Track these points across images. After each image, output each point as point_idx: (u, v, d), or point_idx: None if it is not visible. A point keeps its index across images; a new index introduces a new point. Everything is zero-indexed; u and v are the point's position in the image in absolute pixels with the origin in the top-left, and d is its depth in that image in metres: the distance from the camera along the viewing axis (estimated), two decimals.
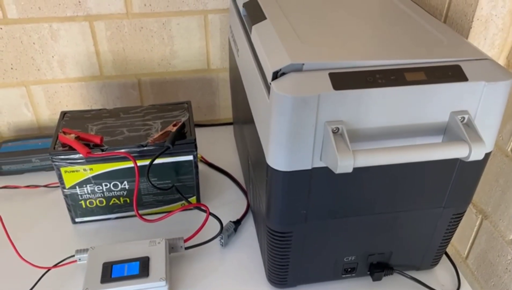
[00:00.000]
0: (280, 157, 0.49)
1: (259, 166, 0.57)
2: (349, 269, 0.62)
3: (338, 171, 0.45)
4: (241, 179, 0.83)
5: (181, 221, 0.75)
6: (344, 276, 0.63)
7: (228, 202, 0.79)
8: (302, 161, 0.49)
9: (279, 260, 0.58)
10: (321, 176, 0.50)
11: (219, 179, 0.84)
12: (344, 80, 0.46)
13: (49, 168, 0.84)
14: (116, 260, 0.61)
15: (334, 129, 0.46)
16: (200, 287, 0.64)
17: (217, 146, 0.91)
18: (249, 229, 0.73)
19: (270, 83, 0.47)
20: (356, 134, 0.47)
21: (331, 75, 0.46)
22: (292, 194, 0.51)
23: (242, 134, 0.77)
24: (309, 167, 0.49)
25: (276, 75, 0.47)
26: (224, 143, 0.93)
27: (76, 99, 0.90)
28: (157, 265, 0.61)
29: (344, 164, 0.44)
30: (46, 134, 0.91)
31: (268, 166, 0.50)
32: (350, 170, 0.45)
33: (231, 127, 0.96)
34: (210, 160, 0.87)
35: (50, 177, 0.82)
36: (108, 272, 0.59)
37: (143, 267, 0.60)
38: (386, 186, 0.53)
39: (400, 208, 0.56)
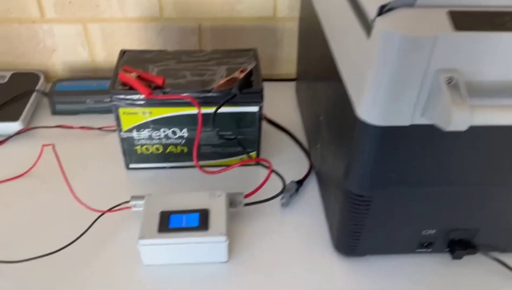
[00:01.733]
0: (375, 109, 0.42)
1: (339, 122, 0.51)
2: (425, 244, 0.56)
3: (450, 128, 0.38)
4: (302, 139, 0.77)
5: (239, 176, 0.70)
6: (418, 250, 0.57)
7: (287, 161, 0.73)
8: (400, 115, 0.42)
9: (352, 226, 0.53)
10: (419, 136, 0.44)
11: (278, 137, 0.78)
12: (466, 21, 0.38)
13: (103, 111, 0.80)
14: (174, 210, 0.57)
15: (447, 79, 0.39)
16: (259, 247, 0.60)
17: (276, 102, 0.85)
18: (311, 191, 0.68)
19: (374, 19, 0.40)
20: (471, 87, 0.40)
21: (451, 14, 0.39)
22: (382, 154, 0.45)
23: (311, 90, 0.70)
24: (407, 124, 0.43)
25: (381, 10, 0.40)
26: (284, 100, 0.87)
27: (133, 41, 0.85)
28: (217, 219, 0.57)
29: (459, 120, 0.38)
30: (101, 75, 0.87)
31: (358, 119, 0.44)
32: (464, 127, 0.38)
33: (292, 84, 0.90)
34: (268, 116, 0.81)
35: (103, 120, 0.79)
36: (166, 222, 0.56)
37: (202, 220, 0.56)
38: (492, 154, 0.46)
39: (500, 181, 0.49)
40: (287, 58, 0.90)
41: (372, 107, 0.42)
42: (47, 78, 0.88)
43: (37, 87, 0.82)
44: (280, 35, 0.87)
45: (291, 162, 0.73)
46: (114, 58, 0.87)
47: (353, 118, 0.45)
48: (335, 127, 0.54)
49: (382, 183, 0.48)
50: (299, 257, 0.59)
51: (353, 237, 0.54)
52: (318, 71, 0.63)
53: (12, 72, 0.85)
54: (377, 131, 0.43)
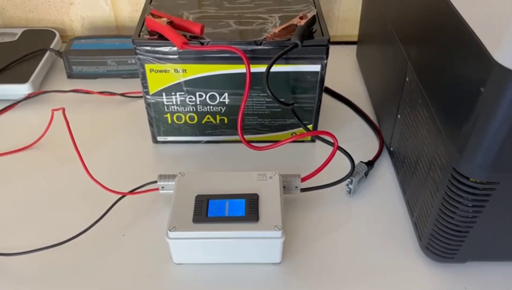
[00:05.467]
0: None
1: (449, 79, 0.37)
2: None
3: None
4: (367, 111, 0.62)
5: (290, 154, 0.56)
6: None
7: (351, 138, 0.59)
8: None
9: (458, 224, 0.38)
10: None
11: (337, 109, 0.64)
12: None
13: (127, 75, 0.68)
14: (213, 194, 0.44)
15: None
16: (319, 245, 0.46)
17: (333, 69, 0.70)
18: (383, 175, 0.54)
19: None
20: None
21: None
22: None
23: (383, 52, 0.56)
24: None
25: None
26: (343, 66, 0.72)
27: None
28: (270, 207, 0.43)
29: None
30: (125, 35, 0.75)
31: (494, 66, 0.29)
32: None
33: (351, 48, 0.75)
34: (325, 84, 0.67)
35: (127, 85, 0.66)
36: (203, 209, 0.43)
37: (250, 208, 0.43)
38: None
39: None
40: (345, 16, 0.75)
41: None
42: (63, 36, 0.76)
43: (51, 46, 0.70)
44: None
45: (355, 139, 0.59)
46: (140, 13, 0.74)
47: (484, 67, 0.30)
48: (440, 88, 0.39)
49: None
50: (372, 261, 0.45)
51: (455, 239, 0.40)
52: (404, 24, 0.49)
53: (23, 29, 0.73)
54: None
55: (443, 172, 0.38)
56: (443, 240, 0.41)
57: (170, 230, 0.41)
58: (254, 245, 0.42)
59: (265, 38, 0.48)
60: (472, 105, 0.32)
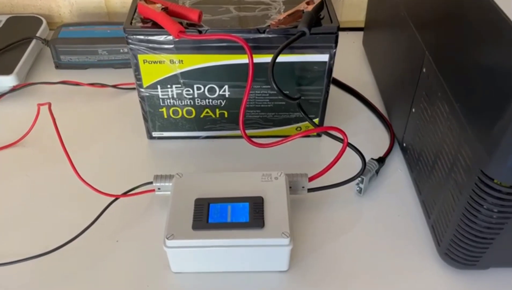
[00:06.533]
0: None
1: (475, 70, 0.33)
2: None
3: None
4: (376, 103, 0.59)
5: (295, 151, 0.53)
6: None
7: (358, 132, 0.55)
8: None
9: (483, 231, 0.35)
10: None
11: (344, 101, 0.60)
12: None
13: (119, 65, 0.64)
14: (214, 197, 0.41)
15: None
16: (329, 250, 0.43)
17: (337, 57, 0.66)
18: (395, 172, 0.50)
19: None
20: None
21: None
22: None
23: (395, 39, 0.52)
24: None
25: None
26: (349, 54, 0.68)
27: None
28: (276, 211, 0.40)
29: None
30: (116, 21, 0.70)
31: None
32: None
33: (357, 35, 0.71)
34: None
35: (119, 76, 0.62)
36: (204, 214, 0.39)
37: (255, 212, 0.39)
38: None
39: None
40: (350, 1, 0.71)
41: None
42: (51, 24, 0.71)
43: (38, 34, 0.65)
44: None
45: (363, 132, 0.55)
46: None
47: None
48: (465, 81, 0.36)
49: None
50: (385, 267, 0.41)
51: (478, 246, 0.37)
52: (421, 8, 0.45)
53: (8, 16, 0.68)
54: None
55: (468, 174, 0.34)
56: (465, 247, 0.37)
57: (167, 238, 0.38)
58: (260, 253, 0.39)
59: (269, 26, 0.44)
60: (507, 101, 0.29)
